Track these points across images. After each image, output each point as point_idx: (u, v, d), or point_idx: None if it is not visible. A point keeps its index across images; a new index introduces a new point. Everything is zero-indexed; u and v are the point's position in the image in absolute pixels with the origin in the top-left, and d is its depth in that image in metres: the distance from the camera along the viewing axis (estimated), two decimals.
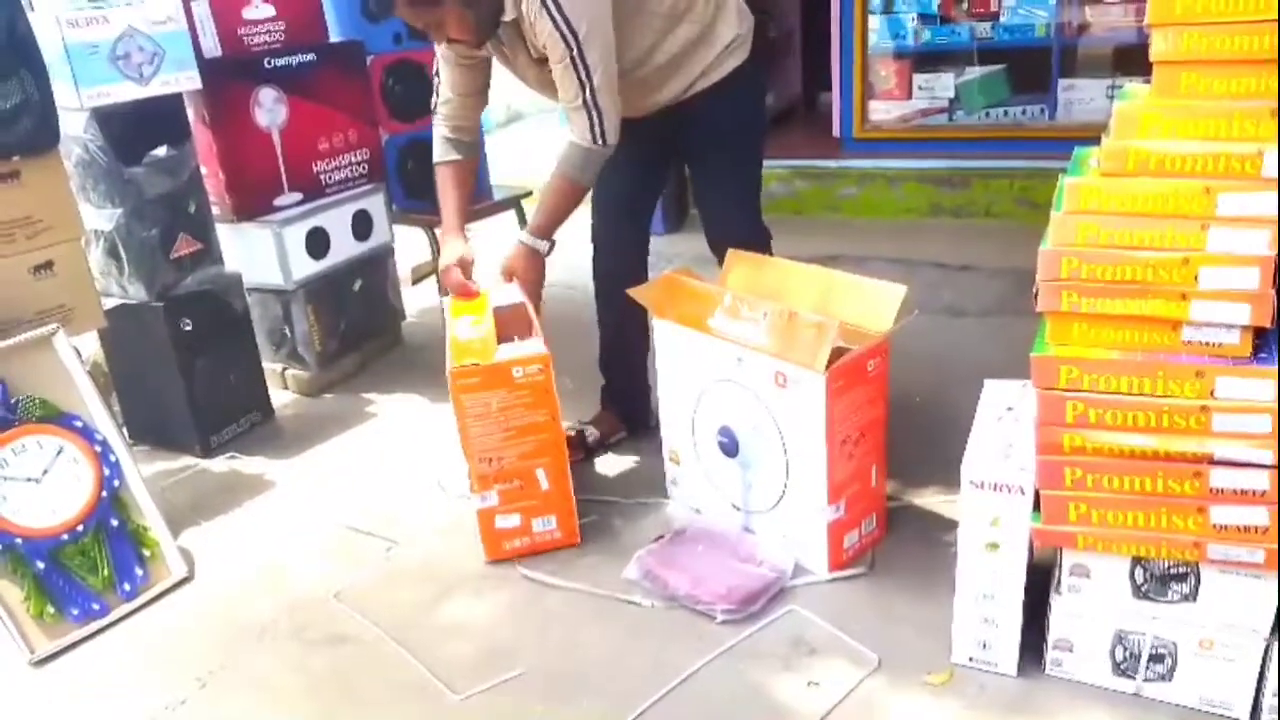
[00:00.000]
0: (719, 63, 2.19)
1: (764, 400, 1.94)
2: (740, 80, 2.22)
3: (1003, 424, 1.69)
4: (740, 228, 2.32)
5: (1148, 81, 1.45)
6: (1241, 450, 1.38)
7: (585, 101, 2.01)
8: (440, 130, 2.30)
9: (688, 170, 2.42)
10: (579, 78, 1.98)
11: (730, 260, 2.22)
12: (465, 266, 2.25)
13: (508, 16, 1.99)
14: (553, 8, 1.92)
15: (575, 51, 1.96)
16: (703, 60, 2.18)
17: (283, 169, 2.94)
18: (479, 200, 3.22)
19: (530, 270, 2.19)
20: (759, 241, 2.33)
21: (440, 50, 2.19)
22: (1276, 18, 1.29)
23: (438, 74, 2.26)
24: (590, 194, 2.35)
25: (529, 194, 3.68)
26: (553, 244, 2.20)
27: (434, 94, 2.29)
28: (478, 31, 2.01)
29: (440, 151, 2.32)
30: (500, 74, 2.28)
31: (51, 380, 2.13)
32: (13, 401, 2.05)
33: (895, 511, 2.14)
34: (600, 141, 2.06)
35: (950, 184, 4.24)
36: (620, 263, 2.35)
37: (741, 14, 2.24)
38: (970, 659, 1.69)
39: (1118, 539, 1.50)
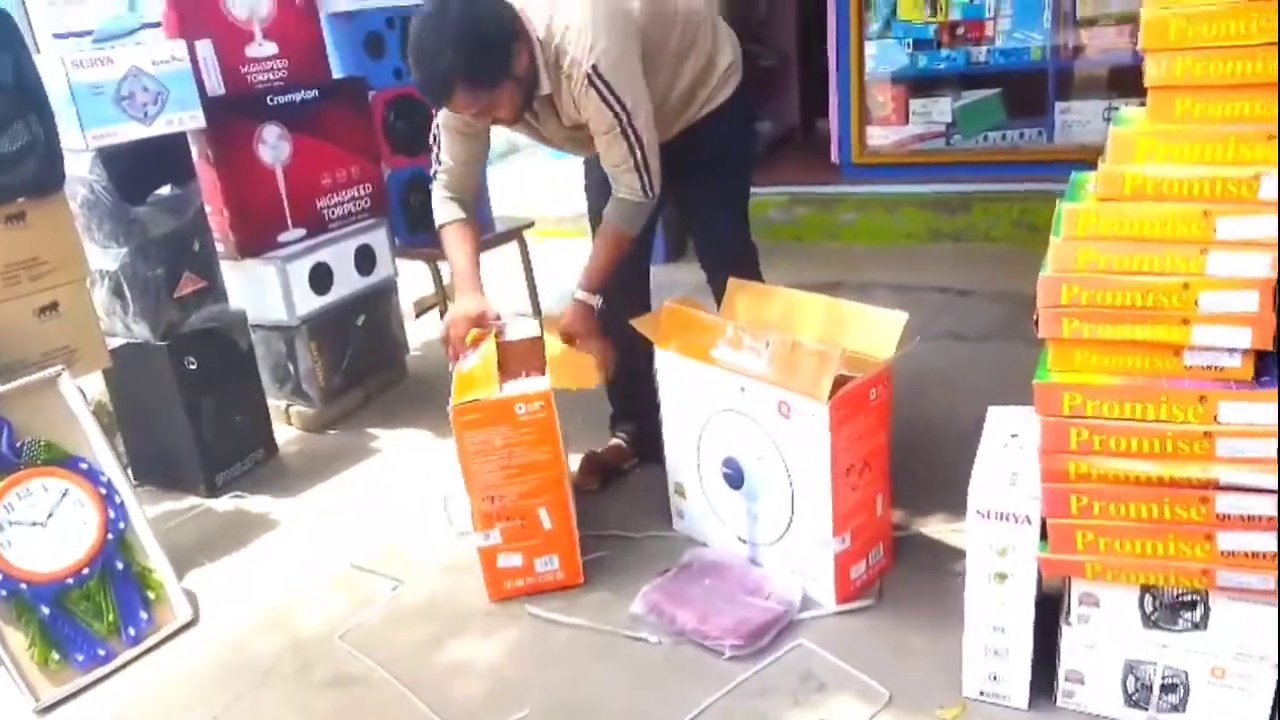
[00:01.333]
0: (719, 88, 2.24)
1: (768, 430, 1.94)
2: (736, 103, 2.28)
3: (1008, 451, 1.68)
4: (732, 244, 2.37)
5: (1144, 103, 1.45)
6: (1246, 475, 1.37)
7: (636, 163, 2.06)
8: (440, 194, 2.28)
9: (678, 192, 2.44)
10: (629, 143, 2.04)
11: (732, 289, 2.22)
12: (482, 321, 2.20)
13: (544, 91, 2.02)
14: (601, 85, 1.96)
15: (625, 121, 2.01)
16: (707, 88, 2.23)
17: (286, 205, 2.96)
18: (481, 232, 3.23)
19: (585, 324, 2.20)
20: (749, 257, 2.38)
21: (441, 118, 2.19)
22: (1271, 42, 1.30)
23: (435, 140, 2.25)
24: (589, 217, 2.41)
25: (530, 224, 3.70)
26: (603, 301, 2.21)
27: (433, 160, 2.27)
28: (522, 107, 2.05)
29: (443, 213, 2.28)
30: None
31: (57, 422, 2.14)
32: (18, 444, 2.06)
33: (902, 541, 2.13)
34: (650, 195, 2.11)
35: (949, 208, 4.24)
36: (622, 291, 2.35)
37: (732, 40, 2.30)
38: (981, 692, 1.67)
39: (1126, 567, 1.49)
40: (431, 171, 2.30)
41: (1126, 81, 4.01)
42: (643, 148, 2.05)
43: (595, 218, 2.35)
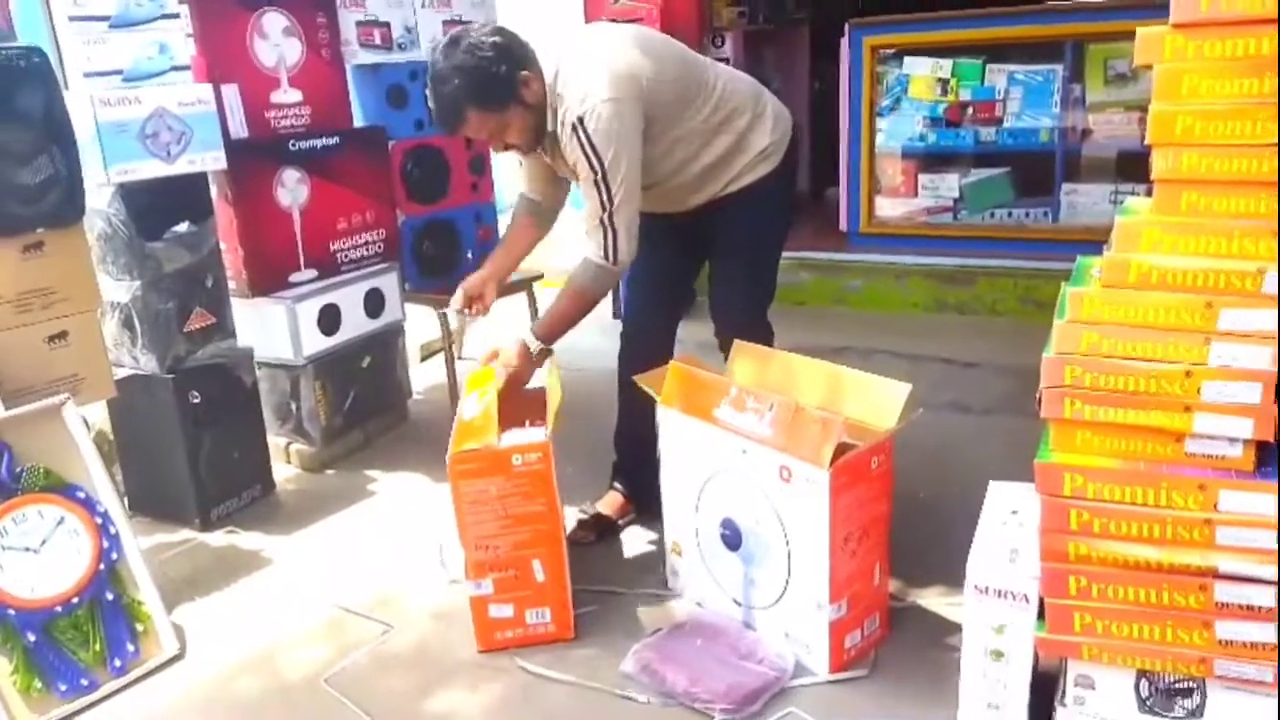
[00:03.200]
0: (750, 168, 2.27)
1: (768, 494, 1.94)
2: (769, 185, 2.29)
3: (1007, 528, 1.68)
4: (745, 322, 2.35)
5: (1149, 190, 1.48)
6: (1246, 565, 1.37)
7: (603, 221, 2.10)
8: (522, 190, 2.46)
9: (708, 265, 2.47)
10: (601, 199, 2.09)
11: (736, 351, 2.24)
12: (472, 291, 2.40)
13: (550, 127, 2.11)
14: (581, 134, 2.03)
15: (599, 175, 2.06)
16: (736, 166, 2.26)
17: (300, 246, 3.00)
18: None
19: (522, 369, 2.23)
20: (761, 338, 2.36)
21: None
22: (1274, 143, 1.33)
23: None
24: (626, 287, 2.47)
25: (540, 277, 3.73)
26: (550, 353, 2.27)
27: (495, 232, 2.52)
28: (534, 136, 2.13)
29: (518, 208, 2.48)
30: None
31: (57, 450, 2.14)
32: (17, 470, 2.06)
33: (898, 612, 2.12)
34: (611, 260, 2.14)
35: (955, 281, 4.28)
36: (648, 355, 2.34)
37: (778, 121, 2.30)
38: None
39: (1123, 651, 1.48)
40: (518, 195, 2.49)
41: (1132, 166, 4.08)
42: (613, 208, 2.09)
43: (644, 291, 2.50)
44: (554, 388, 2.18)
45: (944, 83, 4.35)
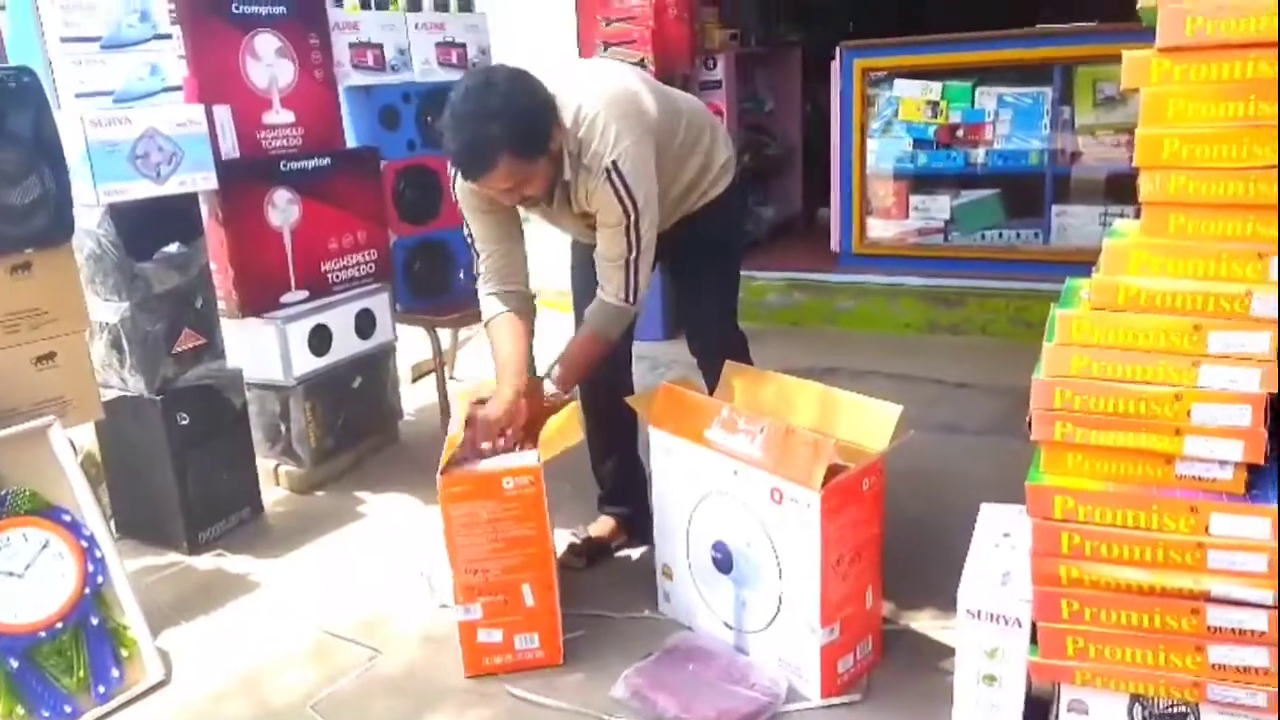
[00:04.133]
0: (715, 182, 2.30)
1: (759, 516, 1.93)
2: (730, 196, 2.33)
3: (999, 551, 1.68)
4: (721, 332, 2.40)
5: (1139, 213, 1.48)
6: (1238, 589, 1.37)
7: (628, 262, 2.08)
8: (485, 291, 2.23)
9: (671, 277, 2.48)
10: (629, 240, 2.05)
11: (727, 373, 2.24)
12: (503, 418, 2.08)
13: (565, 177, 2.03)
14: (616, 179, 1.98)
15: (632, 218, 2.02)
16: (704, 183, 2.28)
17: (291, 267, 2.99)
18: None
19: (540, 415, 2.12)
20: (737, 343, 2.41)
21: (463, 201, 2.18)
22: (1262, 166, 1.34)
23: (469, 233, 2.22)
24: (574, 300, 2.41)
25: (533, 296, 3.73)
26: (573, 399, 2.20)
27: (473, 257, 2.25)
28: (551, 186, 2.04)
29: (487, 310, 2.22)
30: None
31: (43, 472, 2.12)
32: (2, 493, 2.04)
33: (891, 635, 2.10)
34: (631, 301, 2.12)
35: (947, 302, 4.30)
36: (606, 372, 2.35)
37: (727, 139, 2.37)
38: None
39: (1116, 675, 1.47)
40: (475, 271, 2.27)
41: (1122, 188, 4.11)
42: (639, 250, 2.07)
43: (580, 303, 2.35)
44: (571, 425, 2.09)
45: (934, 105, 4.39)
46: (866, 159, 4.56)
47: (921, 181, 4.57)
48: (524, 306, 2.24)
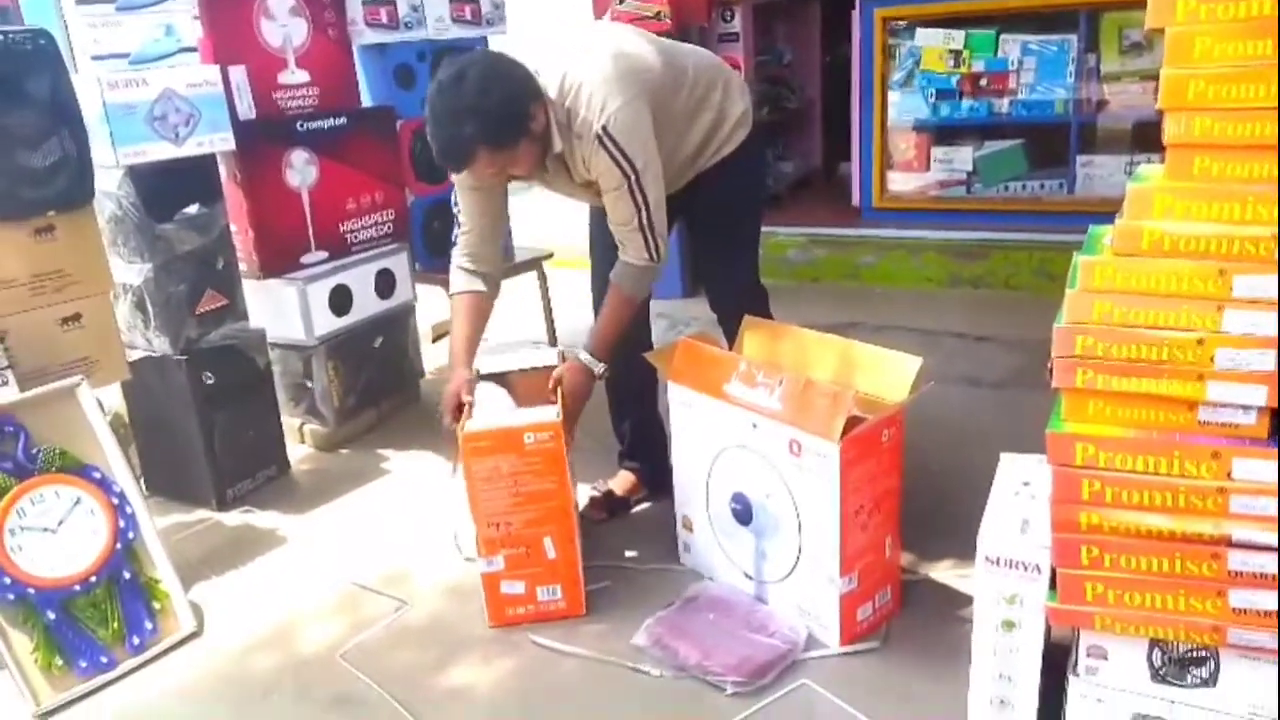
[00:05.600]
0: (730, 138, 2.26)
1: (778, 468, 1.94)
2: (747, 150, 2.30)
3: (1019, 499, 1.67)
4: (742, 287, 2.39)
5: (1165, 160, 1.46)
6: (1260, 533, 1.36)
7: (641, 224, 2.07)
8: (459, 262, 2.29)
9: (689, 234, 2.46)
10: (635, 203, 2.04)
11: (746, 327, 2.23)
12: (457, 403, 2.16)
13: (555, 149, 2.04)
14: (610, 146, 1.98)
15: (633, 179, 2.02)
16: (717, 139, 2.25)
17: (310, 228, 3.00)
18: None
19: (580, 387, 2.17)
20: (759, 299, 2.40)
21: (457, 180, 2.21)
22: None
23: (455, 203, 2.27)
24: (591, 259, 2.42)
25: (549, 255, 3.73)
26: (608, 367, 2.20)
27: (455, 224, 2.30)
28: (538, 162, 2.06)
29: (456, 283, 2.29)
30: None
31: (73, 431, 2.16)
32: (34, 451, 2.08)
33: (910, 585, 2.12)
34: (654, 258, 2.11)
35: (969, 255, 4.26)
36: (628, 338, 2.34)
37: (742, 89, 2.32)
38: None
39: (1135, 620, 1.47)
40: (454, 236, 2.32)
41: (1149, 137, 4.03)
42: (648, 209, 2.06)
43: (599, 277, 2.36)
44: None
45: (956, 54, 4.31)
46: (887, 111, 4.50)
47: (943, 133, 4.51)
48: (489, 289, 2.30)
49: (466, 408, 2.12)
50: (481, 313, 2.29)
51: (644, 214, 2.06)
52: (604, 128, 1.98)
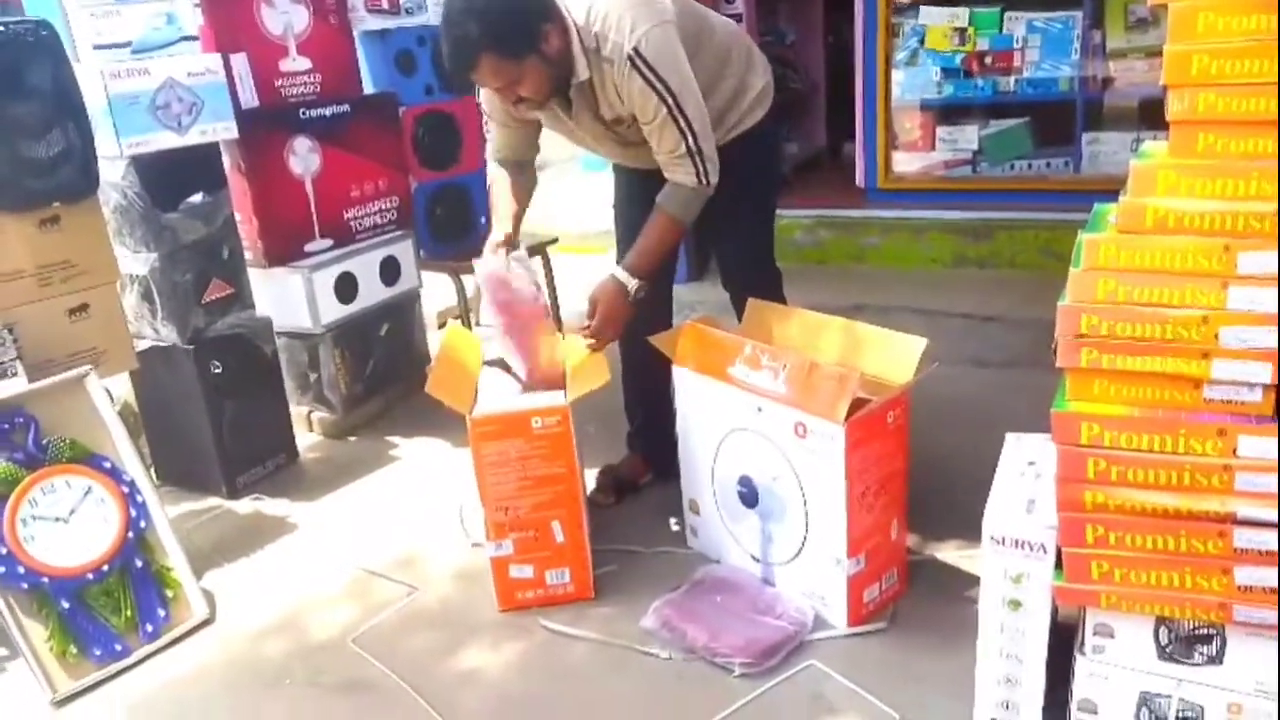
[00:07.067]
0: (749, 112, 2.25)
1: (784, 450, 1.94)
2: (765, 129, 2.28)
3: (1025, 479, 1.67)
4: (756, 268, 2.38)
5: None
6: (1265, 510, 1.36)
7: (689, 149, 2.03)
8: (492, 160, 2.35)
9: (703, 212, 2.45)
10: (679, 128, 2.01)
11: (751, 309, 2.23)
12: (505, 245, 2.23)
13: (580, 78, 2.02)
14: (644, 68, 1.95)
15: (672, 104, 1.98)
16: (737, 111, 2.23)
17: (314, 216, 3.01)
18: None
19: (613, 307, 2.14)
20: (773, 279, 2.39)
21: (486, 107, 2.23)
22: None
23: (488, 127, 2.31)
24: (616, 231, 2.42)
25: (554, 241, 3.73)
26: (644, 287, 2.15)
27: (488, 148, 2.34)
28: (549, 89, 2.03)
29: (492, 172, 2.34)
30: None
31: (82, 421, 2.18)
32: (44, 442, 2.09)
33: (916, 566, 2.12)
34: (705, 182, 2.08)
35: (975, 235, 4.23)
36: (644, 310, 2.36)
37: (764, 66, 2.31)
38: (993, 719, 1.66)
39: (1141, 598, 1.48)
40: (484, 156, 2.35)
41: (1155, 113, 3.97)
42: (694, 133, 2.02)
43: (624, 240, 2.34)
44: (598, 367, 2.12)
45: (961, 32, 4.27)
46: (891, 90, 4.46)
47: (948, 112, 4.47)
48: (529, 174, 2.35)
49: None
50: (522, 188, 2.31)
51: (690, 138, 2.02)
52: (635, 49, 1.94)
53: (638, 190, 2.29)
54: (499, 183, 2.33)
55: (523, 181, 2.34)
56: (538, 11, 1.94)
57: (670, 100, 1.98)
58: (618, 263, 2.19)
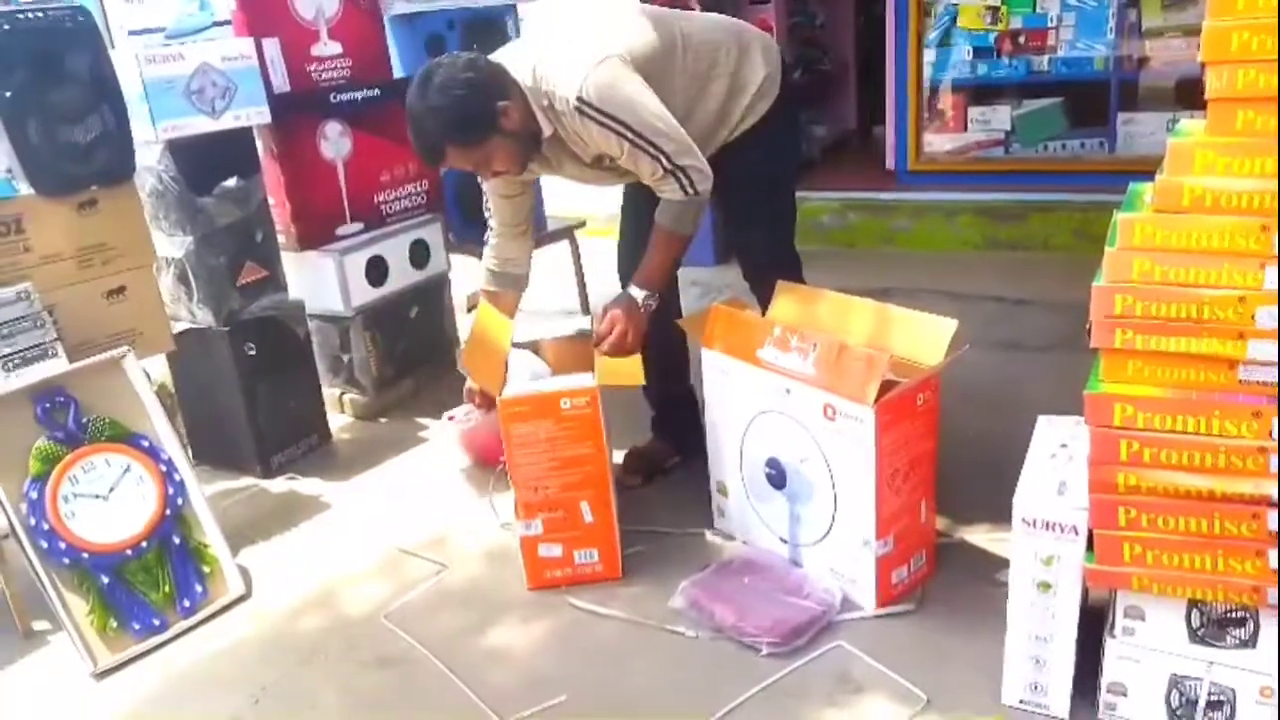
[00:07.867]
0: (753, 107, 2.23)
1: (812, 432, 1.94)
2: (773, 120, 2.25)
3: (1056, 461, 1.67)
4: (774, 257, 2.36)
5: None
6: None
7: (666, 169, 2.05)
8: (488, 263, 2.38)
9: (721, 204, 2.45)
10: (650, 155, 2.03)
11: (780, 292, 2.23)
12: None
13: (546, 133, 2.07)
14: (593, 113, 1.98)
15: (632, 136, 2.01)
16: (739, 108, 2.22)
17: (345, 200, 3.03)
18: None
19: (629, 319, 2.16)
20: (792, 270, 2.37)
21: (487, 187, 2.28)
22: None
23: (488, 206, 2.34)
24: (619, 231, 2.43)
25: (582, 224, 3.74)
26: (657, 298, 2.19)
27: (487, 226, 2.39)
28: (521, 158, 2.10)
29: (484, 281, 2.40)
30: None
31: (121, 401, 2.22)
32: (84, 421, 2.14)
33: (945, 548, 2.12)
34: (694, 192, 2.09)
35: (1007, 217, 4.20)
36: (658, 314, 2.35)
37: (767, 53, 2.26)
38: (1021, 700, 1.66)
39: (1173, 580, 1.47)
40: (485, 236, 2.40)
41: (1192, 93, 3.93)
42: (666, 154, 2.03)
43: (627, 247, 2.38)
44: (634, 370, 2.13)
45: (994, 11, 4.23)
46: (923, 71, 4.42)
47: (981, 92, 4.43)
48: (518, 288, 2.43)
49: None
50: (508, 311, 2.37)
51: (664, 160, 2.04)
52: (580, 99, 1.98)
53: (633, 190, 2.30)
54: (484, 313, 2.35)
55: (510, 297, 2.40)
56: (491, 94, 1.99)
57: (630, 134, 2.00)
58: (618, 262, 2.27)
